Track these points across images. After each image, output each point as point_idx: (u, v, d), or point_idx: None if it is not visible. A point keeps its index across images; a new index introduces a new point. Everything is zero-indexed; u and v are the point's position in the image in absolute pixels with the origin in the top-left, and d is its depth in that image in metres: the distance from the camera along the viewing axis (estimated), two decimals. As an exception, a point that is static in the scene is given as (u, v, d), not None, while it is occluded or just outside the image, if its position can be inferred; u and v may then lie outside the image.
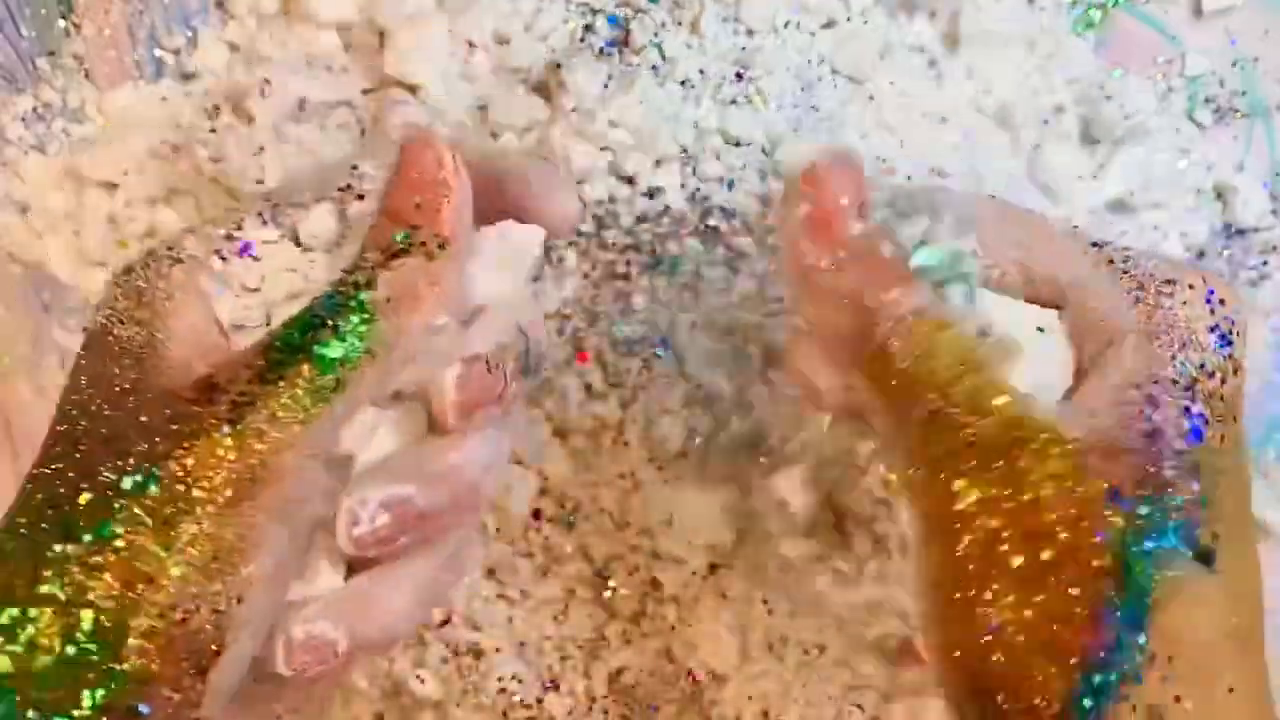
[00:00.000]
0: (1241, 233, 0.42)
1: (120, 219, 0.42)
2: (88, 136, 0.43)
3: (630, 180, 0.38)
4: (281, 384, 0.26)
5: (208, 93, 0.42)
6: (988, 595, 0.25)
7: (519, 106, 0.38)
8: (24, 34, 0.43)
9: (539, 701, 0.41)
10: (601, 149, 0.38)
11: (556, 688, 0.41)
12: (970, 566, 0.25)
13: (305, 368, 0.26)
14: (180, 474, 0.25)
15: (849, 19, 0.39)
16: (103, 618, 0.24)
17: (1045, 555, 0.25)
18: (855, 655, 0.40)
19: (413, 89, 0.39)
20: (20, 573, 0.24)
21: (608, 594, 0.41)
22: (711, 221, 0.38)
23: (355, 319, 0.27)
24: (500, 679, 0.41)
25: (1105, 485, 0.25)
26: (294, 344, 0.26)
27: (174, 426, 0.26)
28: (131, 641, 0.24)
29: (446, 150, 0.28)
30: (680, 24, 0.38)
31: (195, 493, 0.25)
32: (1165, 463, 0.26)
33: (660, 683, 0.41)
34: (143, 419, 0.26)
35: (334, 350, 0.26)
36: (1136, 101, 0.41)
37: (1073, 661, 0.24)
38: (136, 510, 0.25)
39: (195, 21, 0.42)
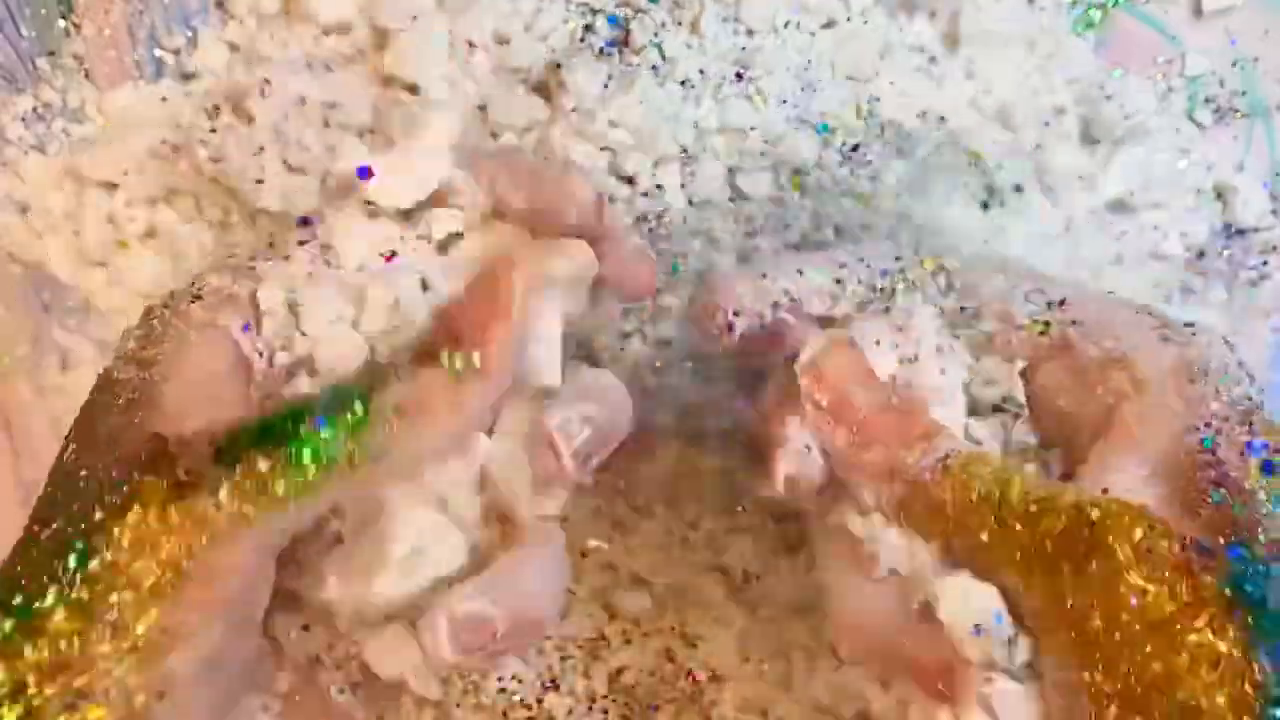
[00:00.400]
0: (1241, 233, 0.42)
1: (120, 219, 0.42)
2: (88, 136, 0.43)
3: (630, 180, 0.38)
4: (237, 470, 0.24)
5: (208, 93, 0.42)
6: (1136, 675, 0.24)
7: (519, 106, 0.38)
8: (24, 34, 0.43)
9: (539, 702, 0.41)
10: (601, 149, 0.38)
11: (556, 687, 0.41)
12: (1108, 670, 0.24)
13: (271, 461, 0.24)
14: (115, 548, 0.23)
15: (849, 19, 0.39)
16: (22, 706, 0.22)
17: (1153, 627, 0.24)
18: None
19: (412, 88, 0.39)
20: None
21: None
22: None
23: (350, 417, 0.25)
24: (500, 679, 0.41)
25: (1188, 539, 0.24)
26: (273, 429, 0.24)
27: (118, 492, 0.24)
28: None
29: (521, 285, 0.27)
30: (680, 24, 0.38)
31: (125, 576, 0.23)
32: (1237, 500, 0.25)
33: (660, 682, 0.41)
34: (112, 474, 0.24)
35: (309, 448, 0.24)
36: (1136, 101, 0.41)
37: (1245, 705, 0.23)
38: (76, 584, 0.23)
39: (195, 21, 0.42)
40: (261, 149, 0.39)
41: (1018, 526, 0.26)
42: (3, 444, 0.45)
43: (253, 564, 0.25)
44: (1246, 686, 0.23)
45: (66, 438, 0.26)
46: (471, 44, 0.38)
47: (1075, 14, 0.41)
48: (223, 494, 0.23)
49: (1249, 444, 0.26)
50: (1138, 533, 0.24)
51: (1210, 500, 0.25)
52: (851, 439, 0.29)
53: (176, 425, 0.25)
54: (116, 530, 0.23)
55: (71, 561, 0.23)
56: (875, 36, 0.39)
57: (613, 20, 0.38)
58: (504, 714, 0.41)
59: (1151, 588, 0.24)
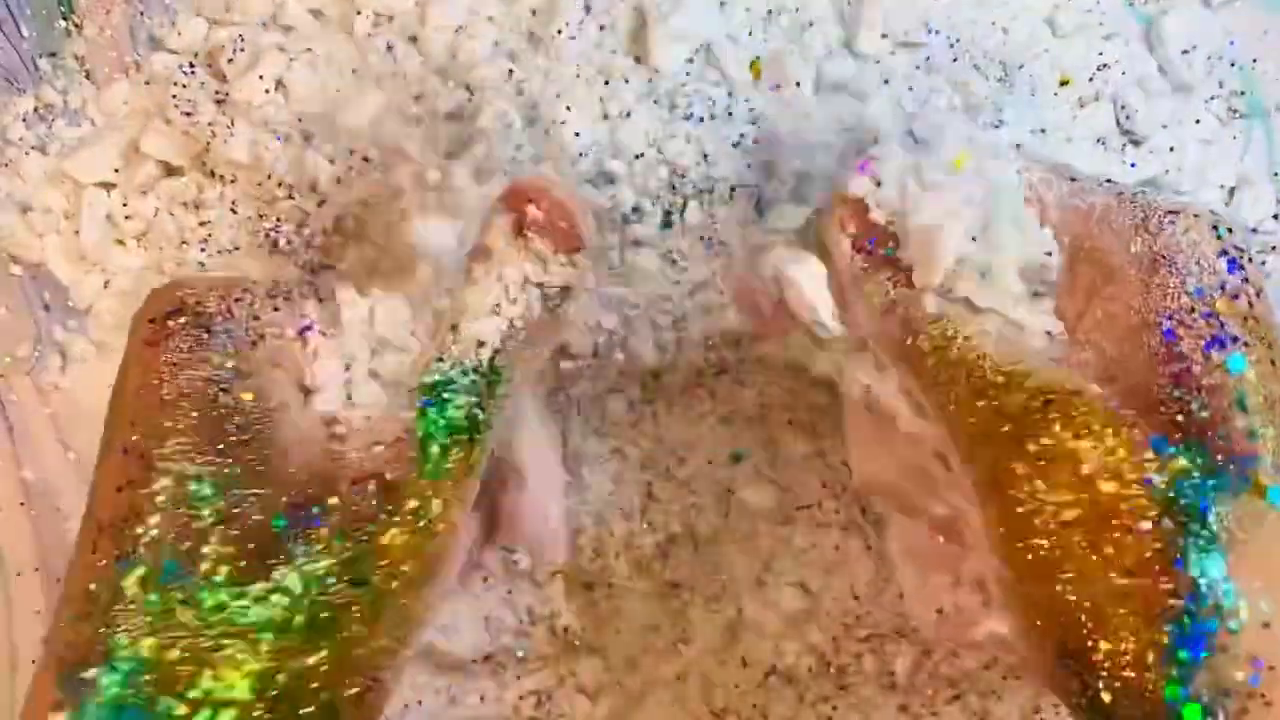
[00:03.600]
0: (1241, 233, 0.42)
1: (118, 218, 0.43)
2: (88, 137, 0.43)
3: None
4: (450, 473, 0.27)
5: (180, 53, 0.43)
6: (1056, 555, 0.24)
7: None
8: (25, 34, 0.43)
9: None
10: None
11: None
12: (1032, 536, 0.25)
13: (462, 450, 0.27)
14: (364, 568, 0.26)
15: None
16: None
17: (1099, 513, 0.24)
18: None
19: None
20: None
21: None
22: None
23: (494, 387, 0.28)
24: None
25: (1140, 436, 0.25)
26: (446, 428, 0.27)
27: (359, 525, 0.26)
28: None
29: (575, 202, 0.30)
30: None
31: (380, 584, 0.26)
32: (1198, 398, 0.25)
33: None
34: (288, 502, 0.26)
35: (483, 423, 0.28)
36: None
37: (1156, 611, 0.23)
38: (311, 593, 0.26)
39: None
40: (230, 101, 0.40)
41: (980, 401, 0.26)
42: (3, 444, 0.45)
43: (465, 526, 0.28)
44: (1161, 593, 0.23)
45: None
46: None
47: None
48: (447, 494, 0.27)
49: (1212, 338, 0.25)
50: (1094, 425, 0.25)
51: (1170, 398, 0.25)
52: (864, 264, 0.30)
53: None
54: (380, 544, 0.26)
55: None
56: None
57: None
58: None
59: (1098, 483, 0.24)
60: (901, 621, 0.41)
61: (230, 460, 0.26)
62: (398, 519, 0.26)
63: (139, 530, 0.26)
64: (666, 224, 0.37)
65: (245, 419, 0.27)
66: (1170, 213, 0.27)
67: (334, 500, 0.27)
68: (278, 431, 0.28)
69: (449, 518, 0.27)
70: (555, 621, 0.41)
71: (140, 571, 0.25)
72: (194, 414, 0.27)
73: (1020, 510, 0.25)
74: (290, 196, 0.40)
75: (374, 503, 0.27)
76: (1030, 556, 0.25)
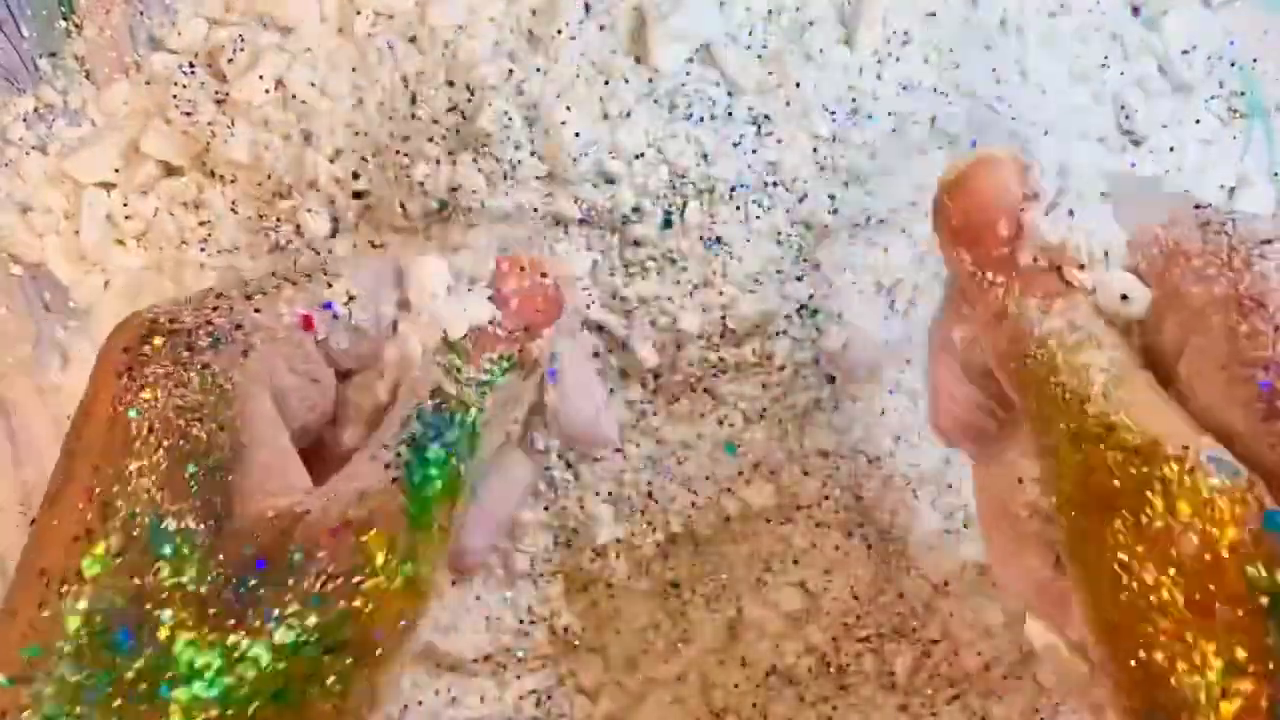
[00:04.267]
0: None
1: (118, 218, 0.43)
2: (88, 137, 0.43)
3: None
4: (435, 524, 0.26)
5: (180, 53, 0.43)
6: (1146, 635, 0.22)
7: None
8: (25, 34, 0.43)
9: None
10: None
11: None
12: (1120, 614, 0.22)
13: (446, 500, 0.26)
14: (349, 617, 0.24)
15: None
16: None
17: (1196, 600, 0.22)
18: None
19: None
20: None
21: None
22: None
23: (471, 443, 0.28)
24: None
25: (1247, 510, 0.22)
26: (430, 477, 0.26)
27: (340, 580, 0.24)
28: None
29: (548, 268, 0.30)
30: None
31: (362, 634, 0.24)
32: None
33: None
34: (261, 544, 0.24)
35: (462, 475, 0.27)
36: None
37: (1261, 706, 0.21)
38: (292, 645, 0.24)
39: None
40: (230, 101, 0.40)
41: (1077, 454, 0.24)
42: (3, 444, 0.45)
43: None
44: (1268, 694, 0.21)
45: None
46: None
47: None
48: (429, 548, 0.26)
49: None
50: (1197, 500, 0.22)
51: (1274, 453, 0.22)
52: (976, 267, 0.27)
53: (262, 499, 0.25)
54: (357, 605, 0.25)
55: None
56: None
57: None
58: None
59: (1198, 565, 0.22)
60: (901, 621, 0.41)
61: (198, 505, 0.24)
62: (382, 577, 0.25)
63: (87, 591, 0.23)
64: (666, 224, 0.37)
65: (219, 456, 0.25)
66: (1264, 242, 0.24)
67: (311, 553, 0.24)
68: (252, 471, 0.25)
69: (430, 578, 0.26)
70: (555, 621, 0.41)
71: (83, 640, 0.23)
72: (161, 451, 0.24)
73: (1110, 587, 0.23)
74: (290, 196, 0.40)
75: (357, 558, 0.25)
76: (1117, 633, 0.22)
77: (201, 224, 0.42)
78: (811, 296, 0.38)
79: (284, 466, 0.26)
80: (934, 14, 0.38)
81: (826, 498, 0.40)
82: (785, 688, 0.41)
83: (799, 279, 0.37)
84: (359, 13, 0.40)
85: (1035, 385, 0.25)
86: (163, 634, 0.23)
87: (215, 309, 0.26)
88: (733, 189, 0.36)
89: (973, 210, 0.27)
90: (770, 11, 0.37)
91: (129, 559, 0.23)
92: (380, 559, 0.25)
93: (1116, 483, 0.23)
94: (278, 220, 0.40)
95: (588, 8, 0.37)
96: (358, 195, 0.39)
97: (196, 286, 0.42)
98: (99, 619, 0.23)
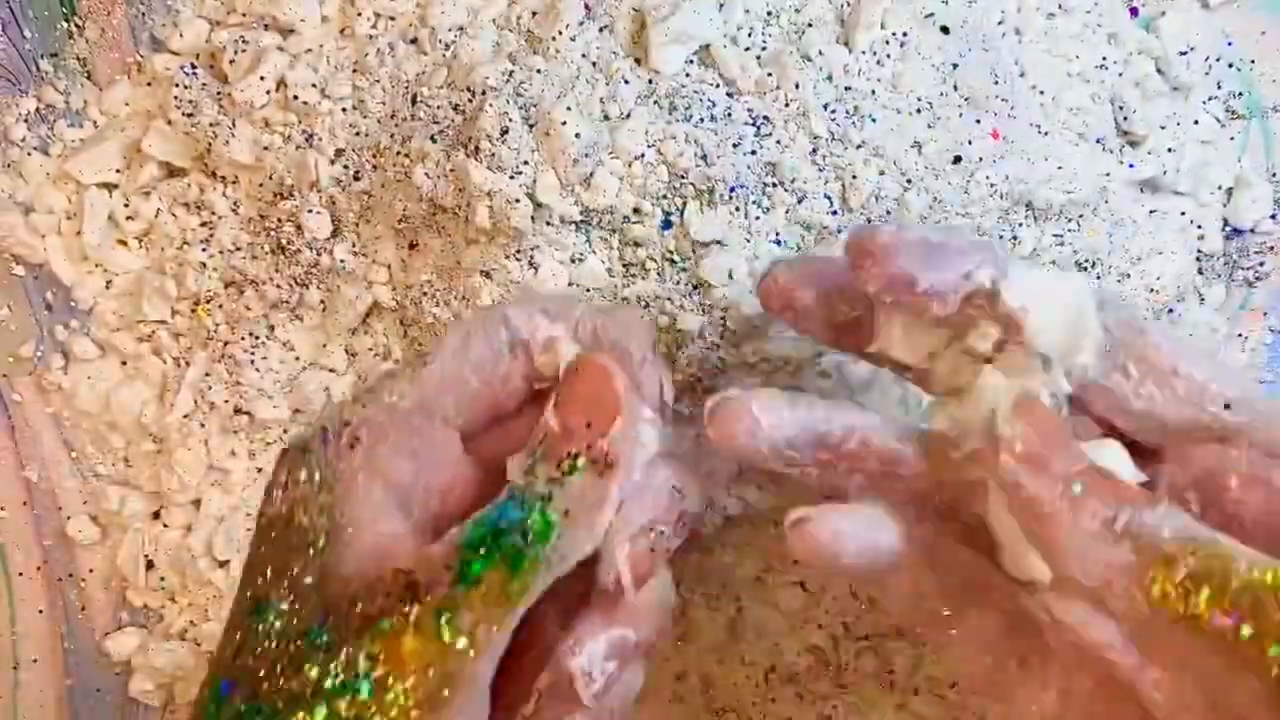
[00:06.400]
0: (1239, 233, 0.42)
1: (120, 219, 0.43)
2: (90, 137, 0.44)
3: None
4: (481, 587, 0.26)
5: (182, 54, 0.43)
6: None
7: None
8: (27, 35, 0.44)
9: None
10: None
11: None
12: None
13: (499, 573, 0.26)
14: (380, 676, 0.25)
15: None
16: None
17: None
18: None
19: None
20: None
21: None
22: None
23: (540, 530, 0.27)
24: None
25: None
26: (487, 547, 0.27)
27: (371, 624, 0.25)
28: None
29: (618, 371, 0.29)
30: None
31: (390, 696, 0.25)
32: None
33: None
34: (331, 617, 0.26)
35: (526, 557, 0.27)
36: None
37: None
38: (336, 711, 0.25)
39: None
40: (231, 102, 0.40)
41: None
42: (4, 444, 0.45)
43: (489, 672, 0.27)
44: None
45: (245, 579, 0.28)
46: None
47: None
48: (477, 609, 0.26)
49: None
50: None
51: None
52: (1055, 498, 0.26)
53: (366, 568, 0.27)
54: (381, 658, 0.25)
55: (329, 686, 0.25)
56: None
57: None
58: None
59: None
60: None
61: (289, 584, 0.27)
62: (415, 621, 0.25)
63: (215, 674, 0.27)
64: (666, 224, 0.37)
65: (314, 537, 0.27)
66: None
67: (359, 593, 0.26)
68: (347, 553, 0.27)
69: (477, 635, 0.26)
70: (555, 621, 0.41)
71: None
72: (272, 534, 0.28)
73: None
74: (291, 197, 0.40)
75: (395, 600, 0.26)
76: None
77: (203, 224, 0.42)
78: (811, 296, 0.38)
79: (384, 548, 0.27)
80: (932, 14, 0.38)
81: (827, 497, 0.40)
82: (785, 687, 0.41)
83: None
84: (360, 14, 0.40)
85: (1189, 621, 0.24)
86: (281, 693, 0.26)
87: (327, 415, 0.29)
88: (732, 189, 0.37)
89: (1037, 439, 0.27)
90: (769, 12, 0.37)
91: (243, 640, 0.27)
92: (415, 605, 0.26)
93: None
94: (279, 221, 0.41)
95: (588, 9, 0.37)
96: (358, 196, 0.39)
97: (198, 287, 0.42)
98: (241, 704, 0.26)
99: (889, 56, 0.37)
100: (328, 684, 0.25)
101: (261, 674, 0.26)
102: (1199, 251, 0.42)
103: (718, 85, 0.37)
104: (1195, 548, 0.24)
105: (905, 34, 0.37)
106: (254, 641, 0.26)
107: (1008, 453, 0.27)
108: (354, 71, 0.40)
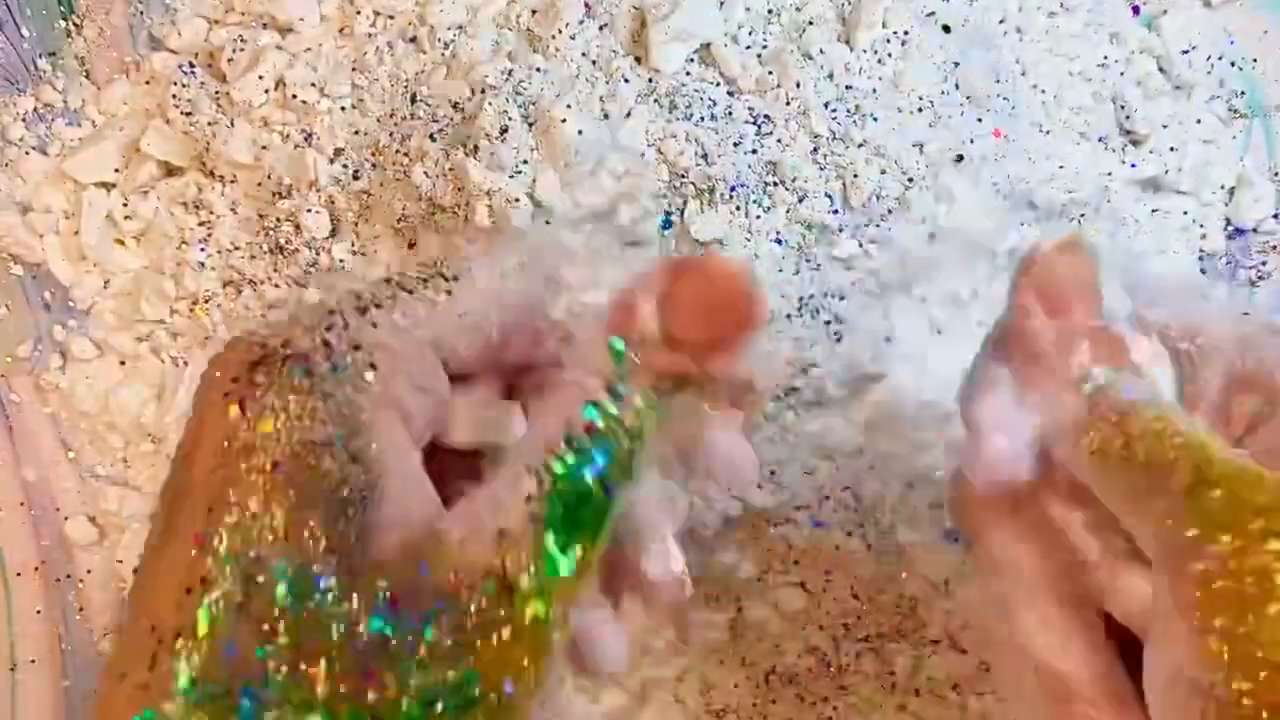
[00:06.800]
0: (1241, 232, 0.42)
1: (118, 218, 0.43)
2: (88, 137, 0.44)
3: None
4: (572, 582, 0.23)
5: (180, 53, 0.43)
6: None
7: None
8: (25, 34, 0.43)
9: None
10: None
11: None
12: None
13: (590, 546, 0.23)
14: (489, 669, 0.21)
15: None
16: None
17: None
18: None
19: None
20: None
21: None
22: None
23: (619, 472, 0.23)
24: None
25: None
26: (568, 514, 0.23)
27: (474, 631, 0.22)
28: None
29: (746, 272, 0.25)
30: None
31: (502, 692, 0.22)
32: None
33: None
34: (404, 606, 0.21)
35: (610, 506, 0.23)
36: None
37: None
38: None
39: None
40: (230, 101, 0.40)
41: (1215, 491, 0.22)
42: (3, 443, 0.45)
43: None
44: None
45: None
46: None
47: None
48: (557, 612, 0.23)
49: None
50: None
51: None
52: (1059, 340, 0.26)
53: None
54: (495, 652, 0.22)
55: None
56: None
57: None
58: None
59: None
60: (901, 621, 0.41)
61: (330, 547, 0.21)
62: (518, 625, 0.22)
63: (203, 648, 0.20)
64: (667, 223, 0.37)
65: (352, 491, 0.22)
66: None
67: (447, 597, 0.21)
68: (385, 503, 0.22)
69: (567, 628, 0.23)
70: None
71: (199, 702, 0.20)
72: (290, 491, 0.21)
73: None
74: (290, 196, 0.40)
75: (493, 605, 0.22)
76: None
77: (201, 224, 0.42)
78: (811, 296, 0.38)
79: (416, 493, 0.23)
80: (933, 13, 0.38)
81: (827, 498, 0.40)
82: (785, 688, 0.41)
83: (798, 278, 0.37)
84: (359, 13, 0.40)
85: (1141, 447, 0.23)
86: (296, 696, 0.20)
87: (329, 328, 0.23)
88: (733, 188, 0.36)
89: (1070, 278, 0.26)
90: (770, 11, 0.37)
91: (253, 609, 0.21)
92: (514, 608, 0.22)
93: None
94: (278, 220, 0.41)
95: (588, 7, 0.37)
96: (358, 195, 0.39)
97: (196, 287, 0.42)
98: (216, 678, 0.20)
99: (890, 55, 0.37)
100: (414, 683, 0.21)
101: (293, 667, 0.20)
102: (1201, 251, 0.42)
103: (718, 84, 0.37)
104: (1150, 411, 0.24)
105: (906, 32, 0.37)
106: (259, 601, 0.21)
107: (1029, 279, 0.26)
108: (353, 70, 0.40)
